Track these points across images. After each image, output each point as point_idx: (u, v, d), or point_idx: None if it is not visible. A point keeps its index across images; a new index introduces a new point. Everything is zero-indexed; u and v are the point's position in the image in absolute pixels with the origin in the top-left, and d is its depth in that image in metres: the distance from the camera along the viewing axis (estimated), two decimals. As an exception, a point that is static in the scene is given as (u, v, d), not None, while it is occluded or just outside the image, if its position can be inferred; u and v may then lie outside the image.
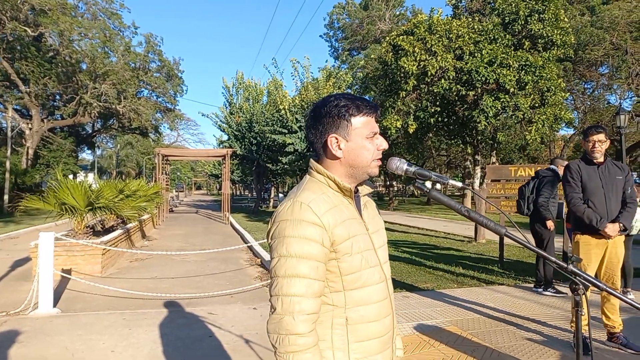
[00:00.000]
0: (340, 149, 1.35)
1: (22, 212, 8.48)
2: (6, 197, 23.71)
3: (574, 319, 1.32)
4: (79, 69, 30.06)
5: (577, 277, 1.28)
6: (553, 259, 1.31)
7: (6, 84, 28.92)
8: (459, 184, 1.43)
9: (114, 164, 66.03)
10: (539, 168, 8.02)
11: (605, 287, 1.26)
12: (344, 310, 1.31)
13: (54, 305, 5.58)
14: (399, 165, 1.41)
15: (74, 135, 37.67)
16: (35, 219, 17.28)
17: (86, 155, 61.85)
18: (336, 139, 1.34)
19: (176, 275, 7.76)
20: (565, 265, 1.29)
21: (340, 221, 1.30)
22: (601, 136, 3.87)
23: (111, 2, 31.78)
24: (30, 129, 30.51)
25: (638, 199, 4.69)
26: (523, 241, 1.32)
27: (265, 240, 1.41)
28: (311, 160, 1.44)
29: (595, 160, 3.92)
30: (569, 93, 20.42)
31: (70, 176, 30.50)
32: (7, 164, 24.79)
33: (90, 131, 41.66)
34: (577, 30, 18.99)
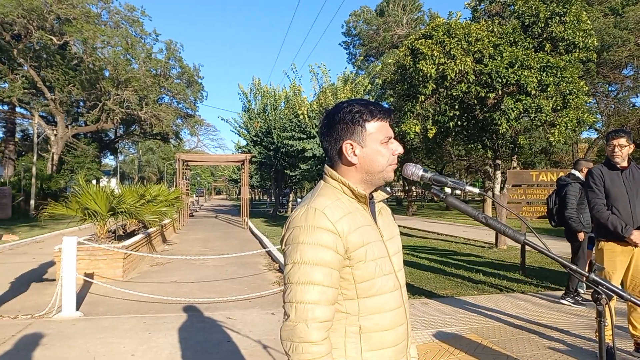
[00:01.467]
0: (356, 155, 1.34)
1: (48, 216, 8.67)
2: (32, 202, 24.32)
3: (598, 330, 1.28)
4: (102, 76, 30.72)
5: (600, 287, 1.24)
6: (574, 267, 1.27)
7: (33, 92, 29.70)
8: (476, 190, 1.40)
9: (136, 169, 67.14)
10: (561, 174, 7.88)
11: (630, 297, 1.22)
12: (357, 318, 1.29)
13: (77, 309, 5.68)
14: (415, 171, 1.39)
15: (97, 141, 38.45)
16: (60, 223, 17.65)
17: (109, 161, 62.95)
18: (351, 145, 1.34)
19: (196, 280, 7.83)
20: (587, 274, 1.25)
21: (355, 228, 1.29)
22: (622, 140, 3.76)
23: (133, 10, 32.44)
24: (55, 135, 31.27)
25: None
26: (542, 249, 1.29)
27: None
28: (326, 166, 1.43)
29: (618, 165, 3.81)
30: (591, 97, 20.01)
31: (94, 181, 31.27)
32: (34, 170, 25.45)
33: (112, 137, 42.47)
34: (600, 31, 18.60)
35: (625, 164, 3.81)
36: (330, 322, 1.24)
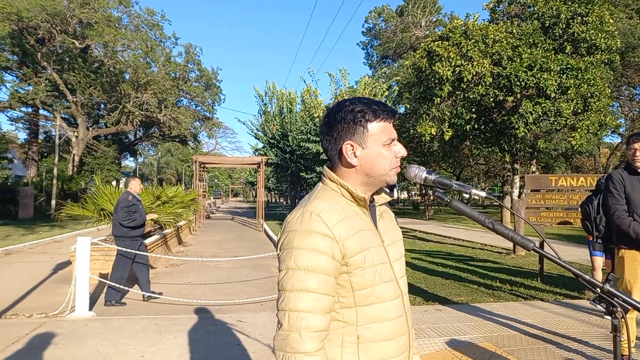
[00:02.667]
0: (356, 157, 1.28)
1: (67, 216, 8.80)
2: (53, 202, 24.79)
3: (613, 345, 1.19)
4: (122, 79, 31.25)
5: (615, 299, 1.16)
6: (587, 277, 1.19)
7: (55, 94, 30.37)
8: (483, 194, 1.33)
9: (154, 171, 68.03)
10: (581, 179, 7.67)
11: (647, 310, 1.13)
12: (355, 328, 1.23)
13: (90, 309, 5.72)
14: (418, 173, 1.33)
15: (117, 143, 39.12)
16: (79, 223, 17.91)
17: (129, 162, 64.02)
18: (351, 146, 1.28)
19: (209, 282, 7.84)
20: (602, 285, 1.17)
21: (353, 232, 1.23)
22: None
23: (153, 14, 32.95)
24: (77, 136, 31.90)
25: None
26: (552, 257, 1.21)
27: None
28: (324, 167, 1.37)
29: (639, 170, 3.67)
30: (615, 100, 19.52)
31: (114, 182, 31.74)
32: (55, 171, 25.97)
33: (132, 139, 43.16)
34: (624, 33, 18.15)
35: None
36: (326, 332, 1.18)
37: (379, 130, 1.27)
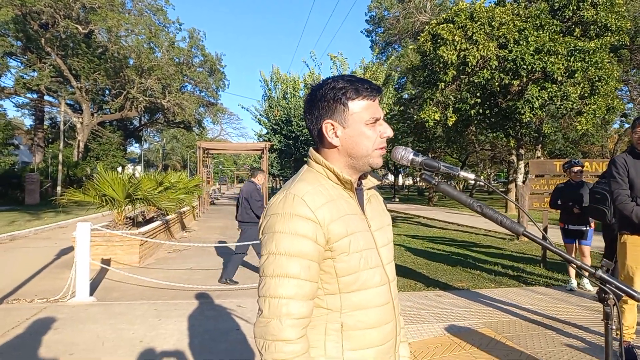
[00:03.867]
0: (337, 137, 1.22)
1: (72, 202, 8.81)
2: (59, 188, 24.92)
3: (605, 333, 1.15)
4: (126, 65, 31.13)
5: (607, 285, 1.11)
6: (578, 262, 1.14)
7: (60, 80, 30.33)
8: (471, 176, 1.28)
9: (160, 157, 68.19)
10: (603, 162, 7.54)
11: (640, 297, 1.08)
12: (339, 315, 1.19)
13: (91, 294, 5.74)
14: (404, 154, 1.27)
15: (122, 129, 39.16)
16: (84, 209, 17.98)
17: (134, 149, 64.19)
18: (332, 125, 1.22)
19: (210, 267, 7.85)
20: (593, 271, 1.12)
21: (338, 216, 1.18)
22: None
23: (156, -1, 32.63)
24: (81, 122, 31.92)
25: None
26: (542, 242, 1.16)
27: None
28: (310, 149, 1.32)
29: None
30: (623, 83, 19.21)
31: (119, 168, 31.84)
32: (60, 157, 26.06)
33: (137, 125, 43.16)
34: (635, 16, 17.79)
35: None
36: (307, 319, 1.14)
37: (362, 109, 1.22)
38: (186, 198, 11.88)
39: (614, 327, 1.13)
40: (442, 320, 4.64)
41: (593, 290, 5.85)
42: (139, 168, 54.05)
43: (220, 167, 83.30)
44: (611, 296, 1.10)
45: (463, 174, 1.26)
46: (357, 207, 1.26)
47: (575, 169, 5.99)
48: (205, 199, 21.29)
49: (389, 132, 1.27)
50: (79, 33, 28.69)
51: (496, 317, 4.77)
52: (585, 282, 6.05)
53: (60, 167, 25.94)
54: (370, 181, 1.36)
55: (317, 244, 1.15)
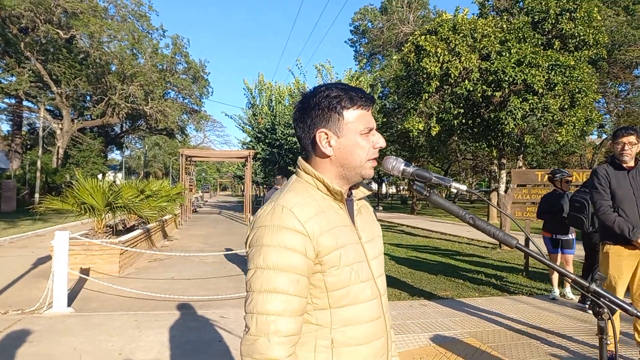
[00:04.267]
0: (331, 146, 1.19)
1: (50, 210, 8.59)
2: (37, 195, 24.37)
3: (600, 347, 1.13)
4: (108, 71, 30.76)
5: (602, 299, 1.09)
6: (573, 276, 1.12)
7: (39, 85, 29.79)
8: (464, 187, 1.26)
9: (142, 164, 67.34)
10: (583, 172, 7.67)
11: (636, 312, 1.06)
12: (329, 331, 1.15)
13: (69, 305, 5.58)
14: (395, 165, 1.24)
15: (103, 136, 38.59)
16: (63, 217, 17.62)
17: (115, 155, 63.26)
18: (326, 134, 1.19)
19: (192, 277, 7.72)
20: (587, 285, 1.10)
21: (328, 229, 1.14)
22: (632, 138, 3.58)
23: (140, 5, 32.43)
24: (61, 129, 31.38)
25: None
26: (537, 255, 1.14)
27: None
28: (299, 158, 1.28)
29: (624, 165, 3.64)
30: (601, 95, 19.68)
31: (99, 176, 31.32)
32: (39, 163, 25.52)
33: (118, 131, 42.60)
34: (611, 30, 18.28)
35: (632, 163, 3.63)
36: (297, 336, 1.09)
37: (356, 118, 1.19)
38: (168, 206, 11.72)
39: (609, 342, 1.12)
40: (428, 330, 4.62)
41: (575, 299, 5.90)
42: (119, 175, 53.27)
43: (203, 174, 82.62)
44: (606, 310, 1.08)
45: (455, 185, 1.24)
46: (347, 219, 1.23)
47: (568, 179, 6.11)
48: (188, 207, 21.05)
49: (382, 143, 1.24)
50: (60, 38, 28.28)
51: (481, 326, 4.77)
52: (568, 290, 6.11)
53: (38, 173, 25.39)
54: (361, 191, 1.33)
55: (306, 257, 1.11)
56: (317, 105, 1.19)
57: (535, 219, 8.12)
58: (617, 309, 1.08)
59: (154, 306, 5.78)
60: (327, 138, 1.19)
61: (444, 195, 47.00)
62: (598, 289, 1.10)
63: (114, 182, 10.48)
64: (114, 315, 5.33)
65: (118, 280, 6.99)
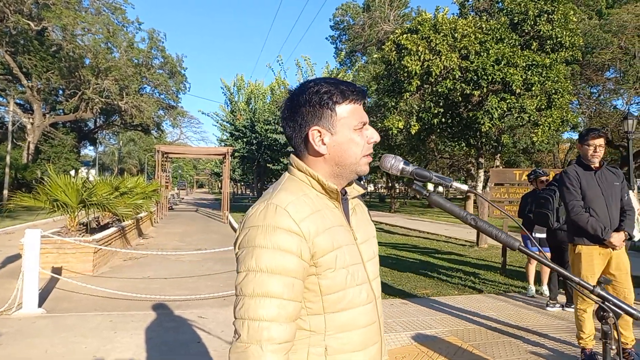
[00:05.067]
0: (324, 144, 1.13)
1: (21, 207, 8.29)
2: (5, 192, 23.58)
3: (604, 352, 1.09)
4: (81, 64, 29.95)
5: (606, 303, 1.06)
6: (577, 279, 1.09)
7: (9, 78, 28.82)
8: (464, 187, 1.21)
9: (116, 161, 65.98)
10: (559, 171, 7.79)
11: (641, 315, 1.03)
12: (323, 338, 1.09)
13: (40, 305, 5.38)
14: (394, 163, 1.19)
15: (76, 131, 37.61)
16: (33, 214, 17.08)
17: (88, 151, 61.80)
18: (319, 132, 1.13)
19: (169, 276, 7.56)
20: (592, 288, 1.07)
21: (324, 229, 1.08)
22: (602, 140, 3.67)
23: (115, -2, 31.68)
24: (32, 123, 30.44)
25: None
26: (540, 258, 1.10)
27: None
28: (291, 155, 1.22)
29: (592, 166, 3.70)
30: (575, 97, 20.16)
31: (72, 172, 30.53)
32: (8, 159, 24.70)
33: (92, 127, 41.59)
34: (584, 33, 18.70)
35: (598, 164, 3.71)
36: (290, 343, 1.03)
37: (349, 114, 1.13)
38: (144, 203, 11.46)
39: (613, 347, 1.08)
40: (409, 329, 4.61)
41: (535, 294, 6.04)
42: (93, 172, 52.03)
43: (180, 171, 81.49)
44: (611, 314, 1.05)
45: (456, 184, 1.19)
46: (342, 218, 1.18)
47: (543, 178, 6.17)
48: (164, 205, 20.69)
49: (376, 137, 1.19)
50: (31, 30, 27.39)
51: (461, 325, 4.78)
52: (545, 288, 6.20)
53: (7, 169, 24.57)
54: (355, 190, 1.27)
55: (301, 259, 1.04)
56: (307, 102, 1.13)
57: (512, 218, 8.24)
58: (622, 313, 1.05)
59: (129, 306, 5.62)
60: (321, 136, 1.13)
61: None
62: (602, 293, 1.07)
63: (88, 178, 10.19)
64: (88, 316, 5.16)
65: (92, 280, 6.79)
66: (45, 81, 29.40)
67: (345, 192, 1.24)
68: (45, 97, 32.08)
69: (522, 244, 1.13)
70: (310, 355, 1.08)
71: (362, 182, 1.32)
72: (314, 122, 1.12)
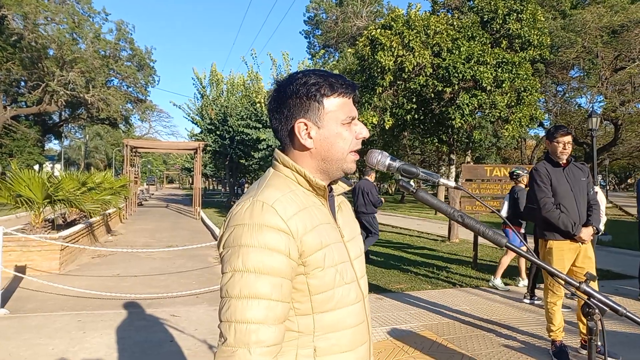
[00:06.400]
0: (311, 138, 1.10)
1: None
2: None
3: (589, 349, 1.10)
4: (45, 55, 28.88)
5: (592, 299, 1.07)
6: (563, 275, 1.09)
7: (-35, 68, 27.54)
8: (452, 183, 1.20)
9: (82, 155, 64.11)
10: (528, 168, 7.99)
11: (626, 312, 1.05)
12: (312, 339, 1.06)
13: (2, 306, 5.16)
14: (381, 159, 1.16)
15: (40, 124, 36.27)
16: (-6, 210, 16.43)
17: (53, 146, 59.84)
18: (305, 125, 1.09)
19: (139, 273, 7.38)
20: (577, 284, 1.08)
21: (312, 227, 1.05)
22: (569, 138, 3.77)
23: (81, -14, 30.64)
24: (-8, 116, 29.17)
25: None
26: (527, 255, 1.10)
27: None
28: (276, 150, 1.18)
29: (561, 162, 3.80)
30: (542, 95, 20.71)
31: (36, 166, 29.44)
32: (-35, 153, 23.61)
33: (57, 120, 40.20)
34: (550, 32, 19.22)
35: (566, 161, 3.81)
36: (279, 346, 0.99)
37: (337, 107, 1.10)
38: (112, 199, 11.15)
39: (599, 347, 1.09)
40: (384, 324, 4.63)
41: (504, 287, 6.18)
42: (58, 166, 50.39)
43: (149, 166, 79.81)
44: (597, 311, 1.06)
45: (443, 180, 1.17)
46: (329, 216, 1.15)
47: (521, 177, 6.37)
48: (133, 201, 20.22)
49: (365, 133, 1.17)
50: (-10, 18, 26.22)
51: (436, 319, 4.84)
52: (523, 282, 6.39)
53: (-35, 164, 23.50)
54: (341, 186, 1.25)
55: (290, 258, 1.01)
56: (294, 94, 1.09)
57: (482, 213, 8.41)
58: (607, 309, 1.06)
59: (98, 305, 5.46)
60: (307, 129, 1.10)
61: (393, 189, 47.97)
62: (588, 289, 1.07)
63: (53, 173, 9.84)
64: (54, 316, 4.98)
65: (58, 278, 6.56)
66: (6, 72, 28.21)
67: (331, 189, 1.21)
68: (6, 89, 30.78)
69: (509, 240, 1.13)
70: (298, 357, 1.05)
71: (348, 180, 1.29)
72: (301, 114, 1.09)
